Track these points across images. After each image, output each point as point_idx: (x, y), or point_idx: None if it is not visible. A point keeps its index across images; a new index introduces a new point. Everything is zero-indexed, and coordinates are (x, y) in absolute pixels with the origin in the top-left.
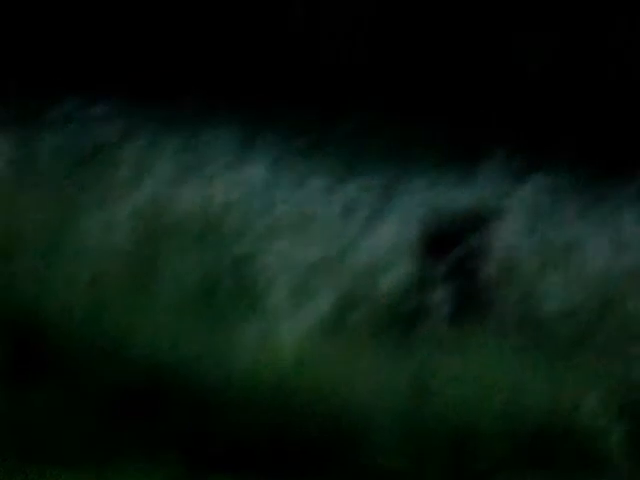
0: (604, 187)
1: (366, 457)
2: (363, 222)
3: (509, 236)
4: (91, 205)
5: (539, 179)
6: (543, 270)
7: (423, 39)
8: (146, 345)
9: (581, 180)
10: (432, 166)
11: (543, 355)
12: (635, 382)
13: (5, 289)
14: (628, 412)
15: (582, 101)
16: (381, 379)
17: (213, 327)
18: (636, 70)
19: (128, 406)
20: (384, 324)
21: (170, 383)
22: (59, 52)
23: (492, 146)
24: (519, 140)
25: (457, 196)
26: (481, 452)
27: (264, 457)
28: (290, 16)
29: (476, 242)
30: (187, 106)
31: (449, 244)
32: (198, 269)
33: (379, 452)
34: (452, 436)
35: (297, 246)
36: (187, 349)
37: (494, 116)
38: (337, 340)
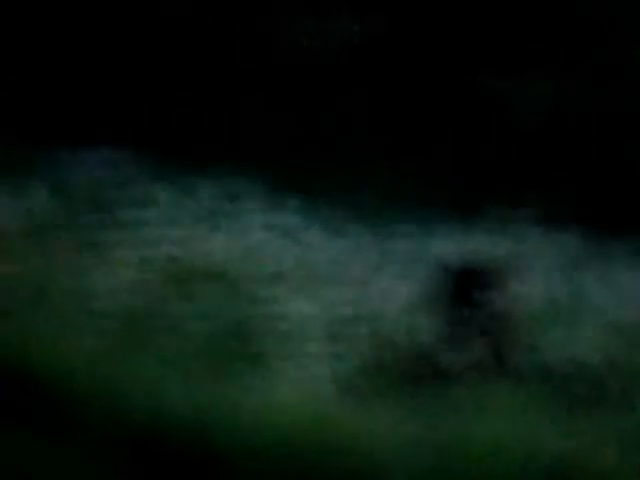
0: (610, 243)
1: None
2: (367, 271)
3: (517, 288)
4: (90, 254)
5: (541, 232)
6: (552, 323)
7: (420, 91)
8: (148, 400)
9: (587, 236)
10: (431, 217)
11: (559, 409)
12: None
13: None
14: None
15: (587, 155)
16: (396, 438)
17: (218, 382)
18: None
19: (122, 456)
20: (395, 382)
21: (172, 439)
22: (56, 100)
23: (493, 198)
24: (524, 195)
25: (462, 248)
26: None
27: None
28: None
29: (487, 295)
30: (180, 157)
31: (459, 297)
32: (202, 322)
33: None
34: None
35: (300, 295)
36: (190, 405)
37: (494, 169)
38: (348, 399)
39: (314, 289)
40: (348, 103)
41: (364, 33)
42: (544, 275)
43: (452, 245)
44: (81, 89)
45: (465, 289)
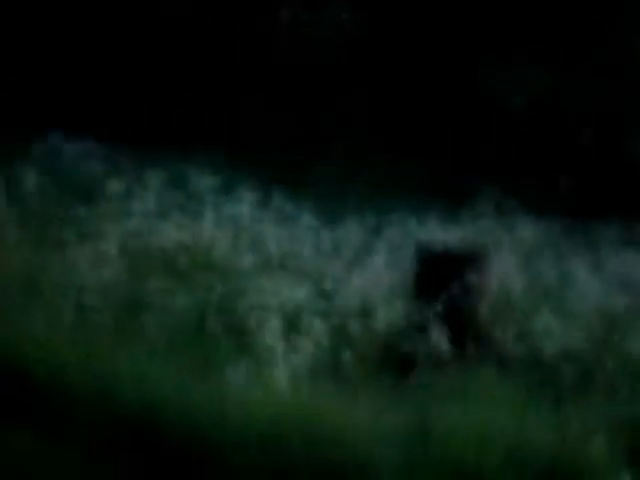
0: (597, 230)
1: None
2: (352, 260)
3: (502, 275)
4: (76, 241)
5: (529, 219)
6: (538, 310)
7: (412, 84)
8: (136, 386)
9: (575, 223)
10: (421, 206)
11: (545, 397)
12: None
13: None
14: (635, 455)
15: (576, 147)
16: (380, 423)
17: (203, 366)
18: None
19: (118, 449)
20: (379, 365)
21: (161, 425)
22: (45, 90)
23: (482, 187)
24: (509, 182)
25: (448, 235)
26: None
27: None
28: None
29: (468, 281)
30: (171, 144)
31: (441, 283)
32: (190, 313)
33: None
34: None
35: (286, 284)
36: (178, 390)
37: (484, 158)
38: (331, 381)
39: (299, 280)
40: (344, 99)
41: (359, 25)
42: (532, 262)
43: (441, 233)
44: (77, 85)
45: (450, 276)
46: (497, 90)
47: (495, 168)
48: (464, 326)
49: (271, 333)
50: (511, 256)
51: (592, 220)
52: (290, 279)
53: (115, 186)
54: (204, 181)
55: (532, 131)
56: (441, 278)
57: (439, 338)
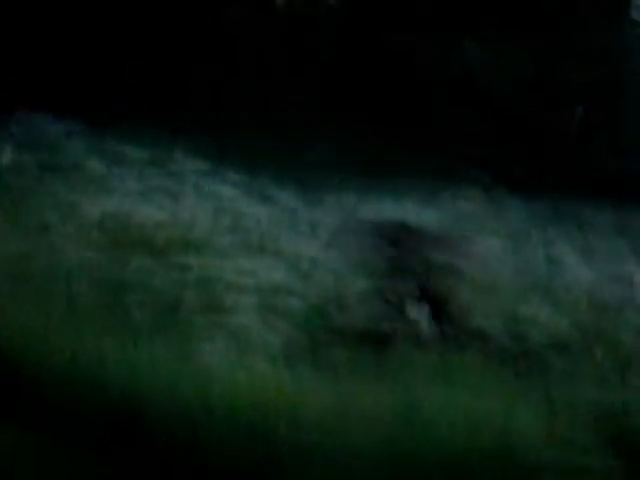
0: (588, 214)
1: None
2: (329, 241)
3: (486, 258)
4: (57, 221)
5: (517, 203)
6: (526, 296)
7: (397, 67)
8: (123, 374)
9: (560, 206)
10: (406, 188)
11: (534, 386)
12: (631, 416)
13: None
14: (624, 448)
15: (563, 127)
16: (363, 406)
17: (182, 348)
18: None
19: (106, 439)
20: (357, 345)
21: (148, 410)
22: (29, 69)
23: (470, 170)
24: (497, 164)
25: (427, 217)
26: None
27: None
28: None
29: (441, 262)
30: (155, 124)
31: (415, 264)
32: (164, 287)
33: None
34: (442, 468)
35: (262, 265)
36: (163, 377)
37: (472, 141)
38: (310, 362)
39: (276, 260)
40: (329, 83)
41: (345, 9)
42: (519, 246)
43: (421, 215)
44: (62, 65)
45: (423, 257)
46: (483, 73)
47: (483, 151)
48: (440, 307)
49: (248, 313)
50: (497, 240)
51: (582, 205)
52: (268, 259)
53: (97, 166)
54: (189, 162)
55: (521, 113)
56: (415, 258)
57: (416, 318)
